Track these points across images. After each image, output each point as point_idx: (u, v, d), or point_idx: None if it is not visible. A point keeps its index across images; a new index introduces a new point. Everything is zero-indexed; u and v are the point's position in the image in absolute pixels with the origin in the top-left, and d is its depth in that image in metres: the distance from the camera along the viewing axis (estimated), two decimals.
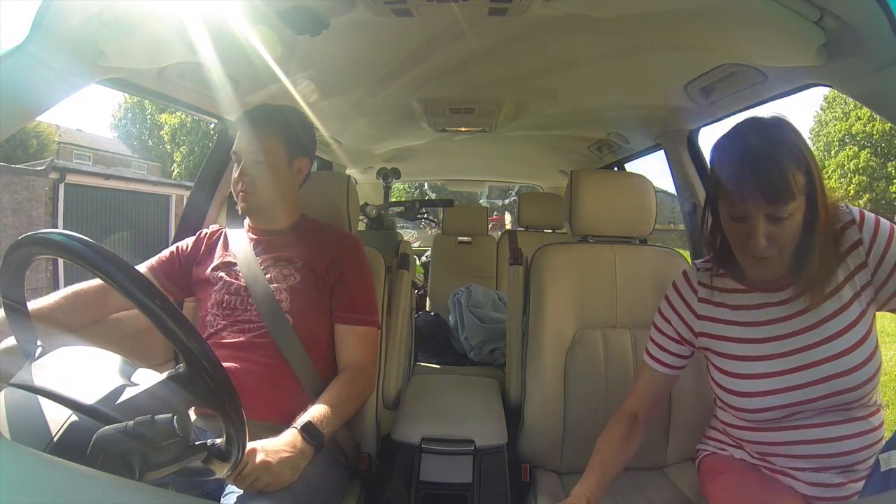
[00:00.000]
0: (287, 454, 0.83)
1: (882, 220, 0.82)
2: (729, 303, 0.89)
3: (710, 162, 0.83)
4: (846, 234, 0.82)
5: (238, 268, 1.08)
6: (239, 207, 1.11)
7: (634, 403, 0.97)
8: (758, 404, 0.83)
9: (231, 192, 1.58)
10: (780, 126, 0.77)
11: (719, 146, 0.81)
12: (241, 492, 0.80)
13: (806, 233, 0.77)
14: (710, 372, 0.91)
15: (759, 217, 0.75)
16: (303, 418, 0.90)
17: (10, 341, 0.74)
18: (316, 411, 0.92)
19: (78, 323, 1.00)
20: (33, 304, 0.92)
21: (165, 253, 1.16)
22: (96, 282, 1.02)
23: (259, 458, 0.80)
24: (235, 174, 1.08)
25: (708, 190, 0.87)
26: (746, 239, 0.78)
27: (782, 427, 0.84)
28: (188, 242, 1.17)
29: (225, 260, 1.11)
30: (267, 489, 0.80)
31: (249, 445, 0.79)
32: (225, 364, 0.97)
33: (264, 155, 1.07)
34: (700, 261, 0.96)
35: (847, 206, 0.83)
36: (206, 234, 1.18)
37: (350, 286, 1.09)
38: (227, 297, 1.06)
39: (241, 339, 1.02)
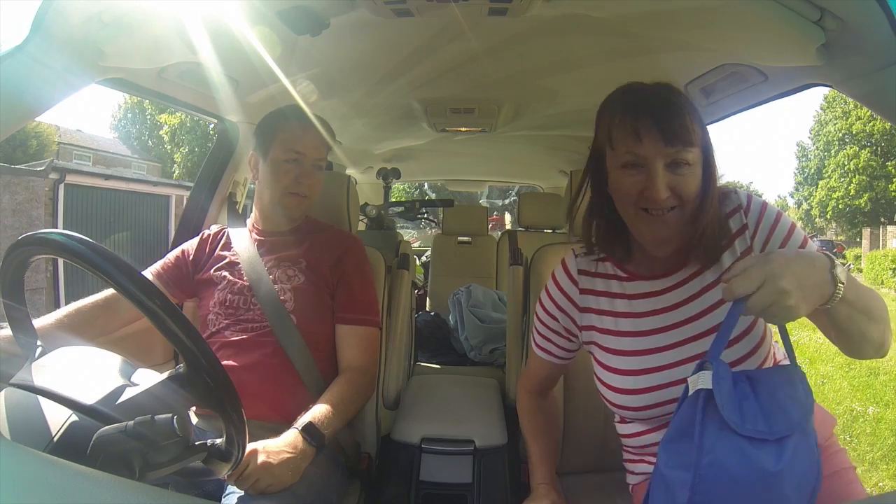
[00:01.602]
0: (288, 455, 0.83)
1: (770, 205, 0.78)
2: (611, 290, 0.83)
3: (598, 116, 0.77)
4: (733, 220, 0.77)
5: (241, 267, 1.08)
6: (286, 209, 1.11)
7: (532, 386, 0.99)
8: (648, 401, 0.77)
9: (231, 192, 1.60)
10: (674, 86, 0.75)
11: (611, 97, 0.76)
12: (242, 492, 0.80)
13: (704, 196, 0.72)
14: (596, 372, 0.84)
15: (657, 164, 0.70)
16: (304, 419, 0.90)
17: (10, 341, 0.74)
18: (317, 411, 0.92)
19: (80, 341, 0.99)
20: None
21: (170, 257, 1.15)
22: (99, 297, 1.02)
23: (260, 459, 0.80)
24: (294, 176, 1.08)
25: (591, 156, 0.79)
26: (643, 191, 0.71)
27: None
28: (192, 245, 1.16)
29: (228, 260, 1.11)
30: (268, 490, 0.80)
31: (250, 446, 0.79)
32: (226, 363, 0.98)
33: (323, 162, 1.12)
34: (580, 246, 0.87)
35: (736, 192, 0.79)
36: (208, 234, 1.18)
37: (352, 286, 1.09)
38: (230, 296, 1.06)
39: (243, 337, 1.02)
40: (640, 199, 0.72)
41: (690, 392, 0.61)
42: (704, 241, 0.74)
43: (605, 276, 0.85)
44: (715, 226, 0.75)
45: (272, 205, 1.11)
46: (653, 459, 0.80)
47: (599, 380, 0.84)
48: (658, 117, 0.70)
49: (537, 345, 0.94)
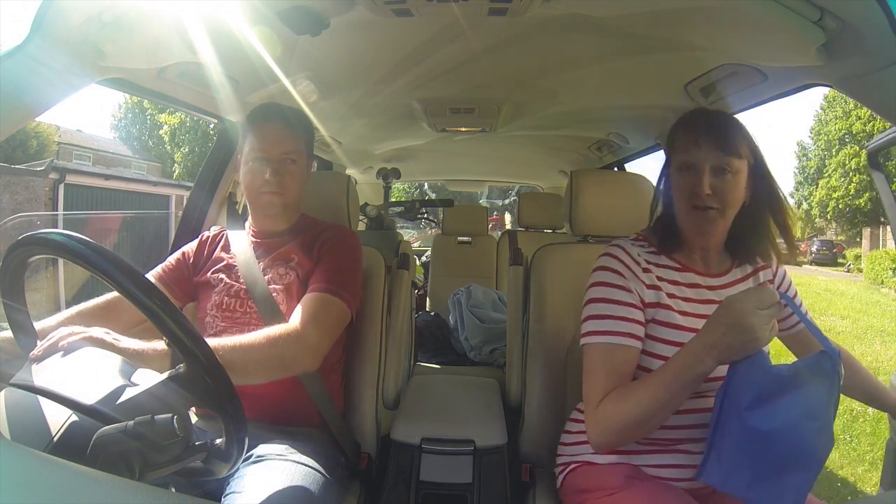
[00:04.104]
0: (133, 348, 0.77)
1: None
2: (667, 278, 0.90)
3: (670, 132, 0.92)
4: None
5: (238, 270, 1.08)
6: (262, 209, 1.10)
7: (611, 389, 0.83)
8: None
9: (231, 193, 1.60)
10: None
11: (681, 117, 0.93)
12: (242, 492, 0.80)
13: (749, 206, 0.88)
14: (651, 349, 0.86)
15: (705, 166, 0.85)
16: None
17: (10, 341, 0.74)
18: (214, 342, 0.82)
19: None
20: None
21: (171, 260, 1.15)
22: (100, 300, 1.01)
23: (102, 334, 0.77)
24: (263, 175, 1.06)
25: (664, 165, 0.94)
26: (692, 188, 0.85)
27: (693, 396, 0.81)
28: (192, 247, 1.16)
29: (226, 262, 1.11)
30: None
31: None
32: None
33: (293, 155, 1.09)
34: (628, 238, 0.96)
35: None
36: (208, 236, 1.18)
37: (325, 263, 1.06)
38: (226, 299, 1.06)
39: None
40: (691, 196, 0.86)
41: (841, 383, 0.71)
42: (741, 243, 0.91)
43: (663, 266, 0.92)
44: (756, 235, 0.90)
45: (252, 207, 1.13)
46: (686, 448, 0.85)
47: (653, 354, 0.86)
48: (711, 128, 0.87)
49: (623, 333, 0.85)
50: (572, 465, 0.96)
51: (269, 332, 0.90)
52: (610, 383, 0.83)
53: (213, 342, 0.79)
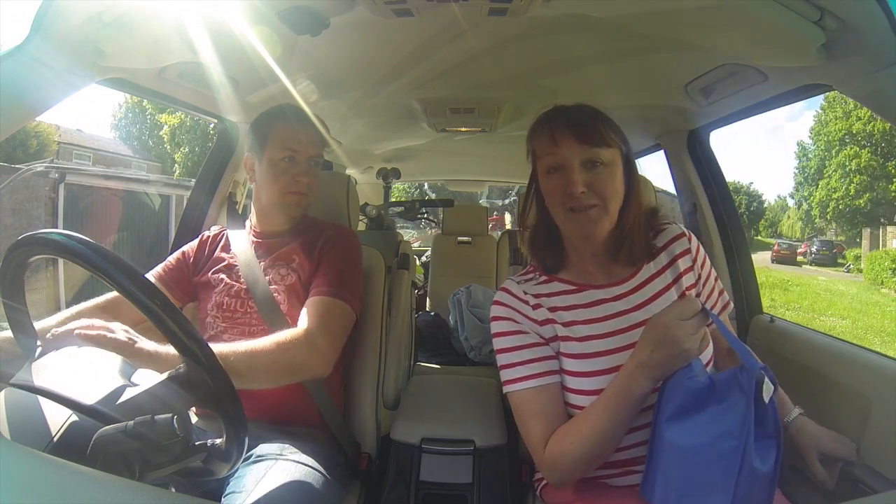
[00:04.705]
0: (147, 350, 0.76)
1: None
2: (562, 305, 0.85)
3: (528, 139, 0.86)
4: (678, 243, 0.89)
5: (238, 270, 1.08)
6: (287, 208, 1.10)
7: (551, 430, 0.80)
8: None
9: (231, 193, 1.60)
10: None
11: (536, 119, 0.86)
12: (242, 492, 0.80)
13: (628, 194, 0.83)
14: (566, 383, 0.82)
15: (573, 163, 0.79)
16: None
17: (10, 341, 0.74)
18: (224, 347, 0.84)
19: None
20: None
21: (172, 259, 1.15)
22: (100, 300, 1.01)
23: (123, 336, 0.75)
24: (292, 175, 1.07)
25: (530, 176, 0.88)
26: (565, 189, 0.79)
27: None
28: (192, 246, 1.16)
29: (226, 262, 1.11)
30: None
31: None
32: None
33: (320, 158, 1.11)
34: (517, 275, 0.92)
35: (676, 223, 0.91)
36: (208, 236, 1.18)
37: (327, 265, 1.06)
38: (227, 299, 1.06)
39: (240, 340, 1.01)
40: (566, 199, 0.80)
41: (766, 400, 0.64)
42: (634, 238, 0.84)
43: (556, 294, 0.87)
44: (642, 225, 0.85)
45: (271, 205, 1.11)
46: (639, 468, 0.79)
47: (570, 389, 0.82)
48: (571, 121, 0.81)
49: (536, 374, 0.82)
50: (544, 482, 0.95)
51: (279, 338, 0.89)
52: (546, 426, 0.80)
53: (222, 348, 0.81)
